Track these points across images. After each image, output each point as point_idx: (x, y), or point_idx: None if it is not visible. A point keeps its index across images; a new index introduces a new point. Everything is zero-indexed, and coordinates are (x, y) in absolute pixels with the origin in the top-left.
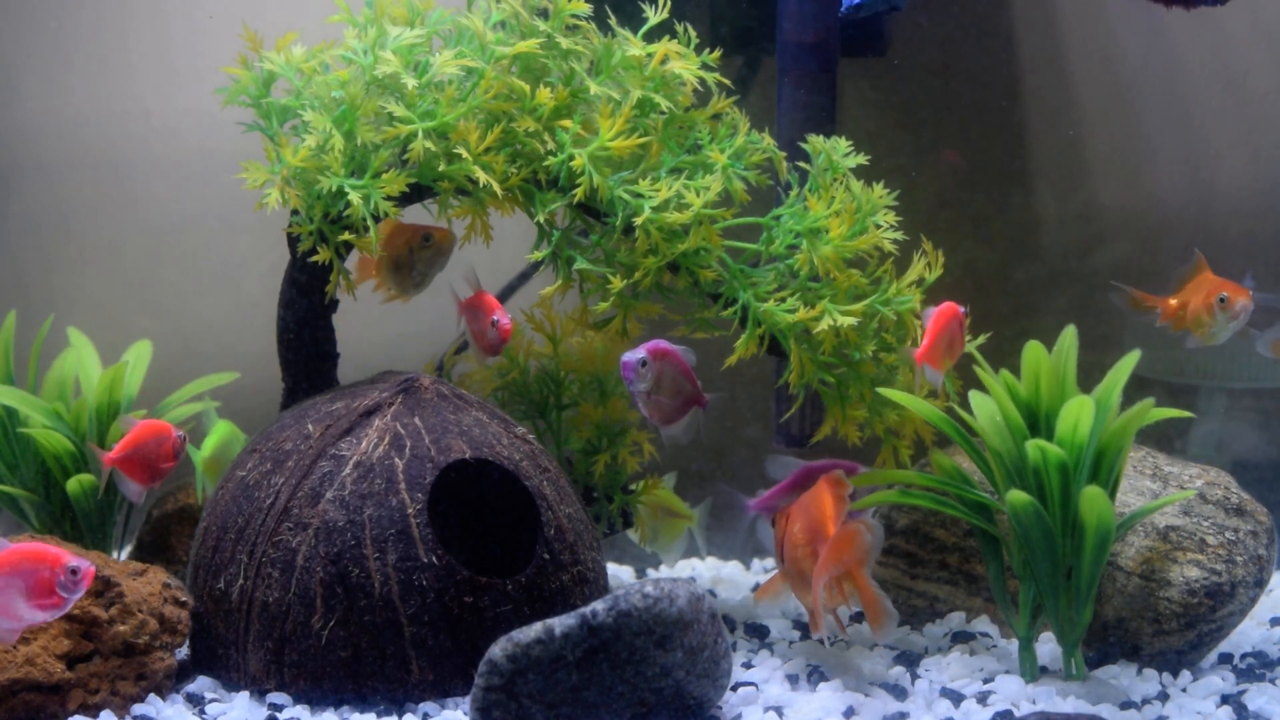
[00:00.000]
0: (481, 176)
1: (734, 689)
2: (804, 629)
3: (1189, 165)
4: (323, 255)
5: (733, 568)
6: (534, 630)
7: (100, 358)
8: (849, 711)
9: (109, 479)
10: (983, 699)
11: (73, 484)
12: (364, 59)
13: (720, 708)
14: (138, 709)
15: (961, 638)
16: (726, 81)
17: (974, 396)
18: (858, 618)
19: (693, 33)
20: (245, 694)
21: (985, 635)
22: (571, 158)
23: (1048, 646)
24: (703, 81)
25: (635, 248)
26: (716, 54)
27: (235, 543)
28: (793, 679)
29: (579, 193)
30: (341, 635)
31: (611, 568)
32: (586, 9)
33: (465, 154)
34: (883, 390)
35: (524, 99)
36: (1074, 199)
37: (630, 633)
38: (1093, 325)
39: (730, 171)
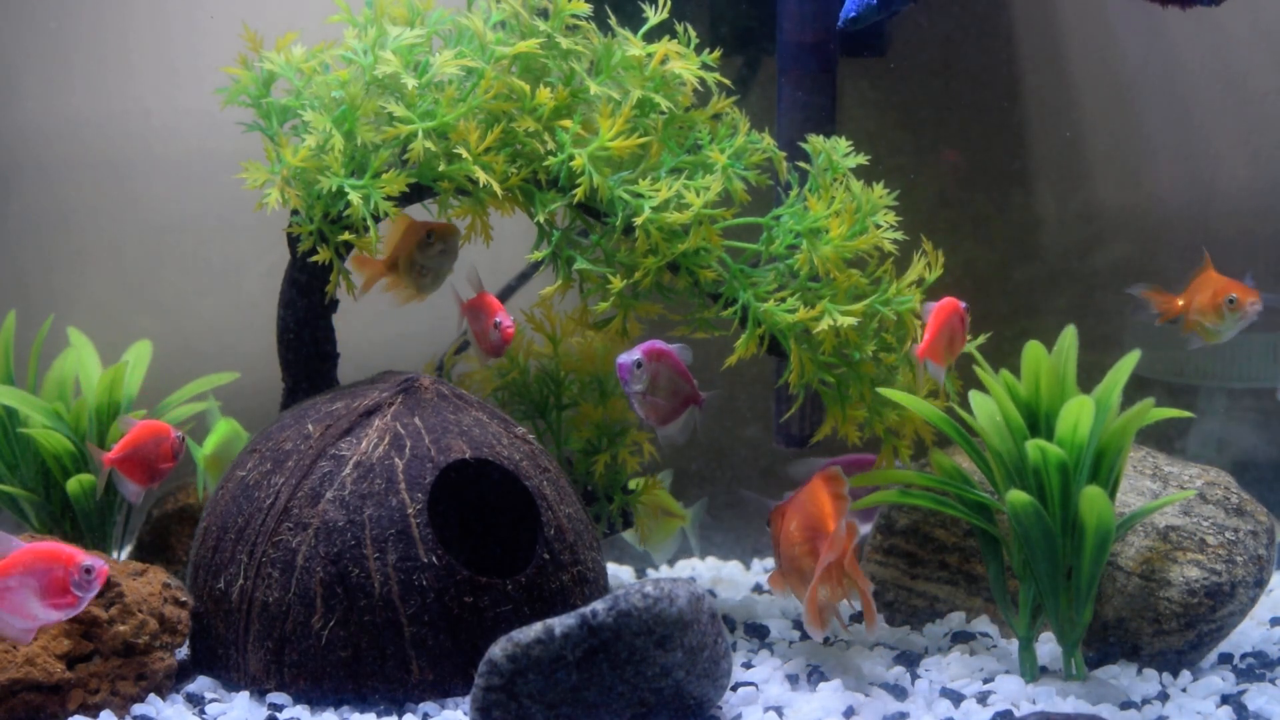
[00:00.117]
0: (481, 176)
1: (734, 689)
2: (804, 629)
3: (1189, 165)
4: (323, 255)
5: (733, 568)
6: (534, 630)
7: (100, 358)
8: (849, 711)
9: (108, 479)
10: (983, 699)
11: (73, 484)
12: (364, 59)
13: (720, 708)
14: (138, 709)
15: (961, 638)
16: (726, 81)
17: (974, 396)
18: (857, 618)
19: (693, 33)
20: (245, 694)
21: (985, 635)
22: (571, 158)
23: (1048, 646)
24: (703, 81)
25: (635, 248)
26: (716, 54)
27: (235, 543)
28: (793, 679)
29: (579, 193)
30: (341, 635)
31: (611, 568)
32: (586, 9)
33: (465, 154)
34: (883, 390)
35: (524, 99)
36: (1074, 199)
37: (630, 633)
38: (1093, 325)
39: (730, 171)
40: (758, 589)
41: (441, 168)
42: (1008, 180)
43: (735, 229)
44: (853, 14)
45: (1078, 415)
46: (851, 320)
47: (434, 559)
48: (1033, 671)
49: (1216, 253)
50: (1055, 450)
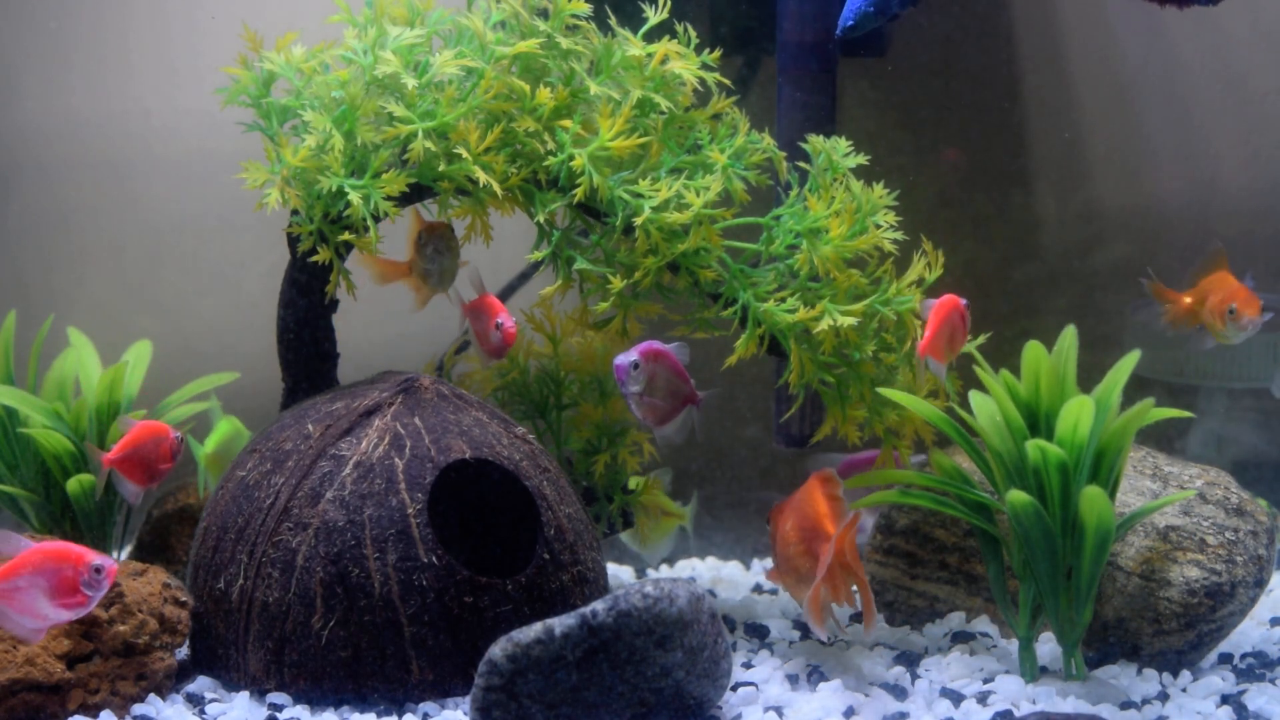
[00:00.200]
0: (481, 176)
1: (734, 689)
2: (804, 629)
3: (1189, 165)
4: (323, 255)
5: (733, 568)
6: (534, 630)
7: (100, 358)
8: (849, 711)
9: (108, 479)
10: (983, 699)
11: (73, 484)
12: (364, 59)
13: (720, 708)
14: (138, 709)
15: (961, 638)
16: (726, 81)
17: (974, 396)
18: (857, 617)
19: (693, 33)
20: (245, 694)
21: (985, 635)
22: (571, 158)
23: (1048, 646)
24: (703, 81)
25: (635, 248)
26: (716, 54)
27: (235, 543)
28: (793, 679)
29: (579, 193)
30: (341, 635)
31: (611, 568)
32: (586, 9)
33: (465, 154)
34: (883, 390)
35: (524, 99)
36: (1074, 199)
37: (630, 633)
38: (1093, 325)
39: (730, 171)
40: (758, 589)
41: (441, 168)
42: (1008, 180)
43: (735, 229)
44: (850, 22)
45: (1078, 415)
46: (851, 320)
47: (434, 559)
48: (1033, 671)
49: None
50: (1055, 450)
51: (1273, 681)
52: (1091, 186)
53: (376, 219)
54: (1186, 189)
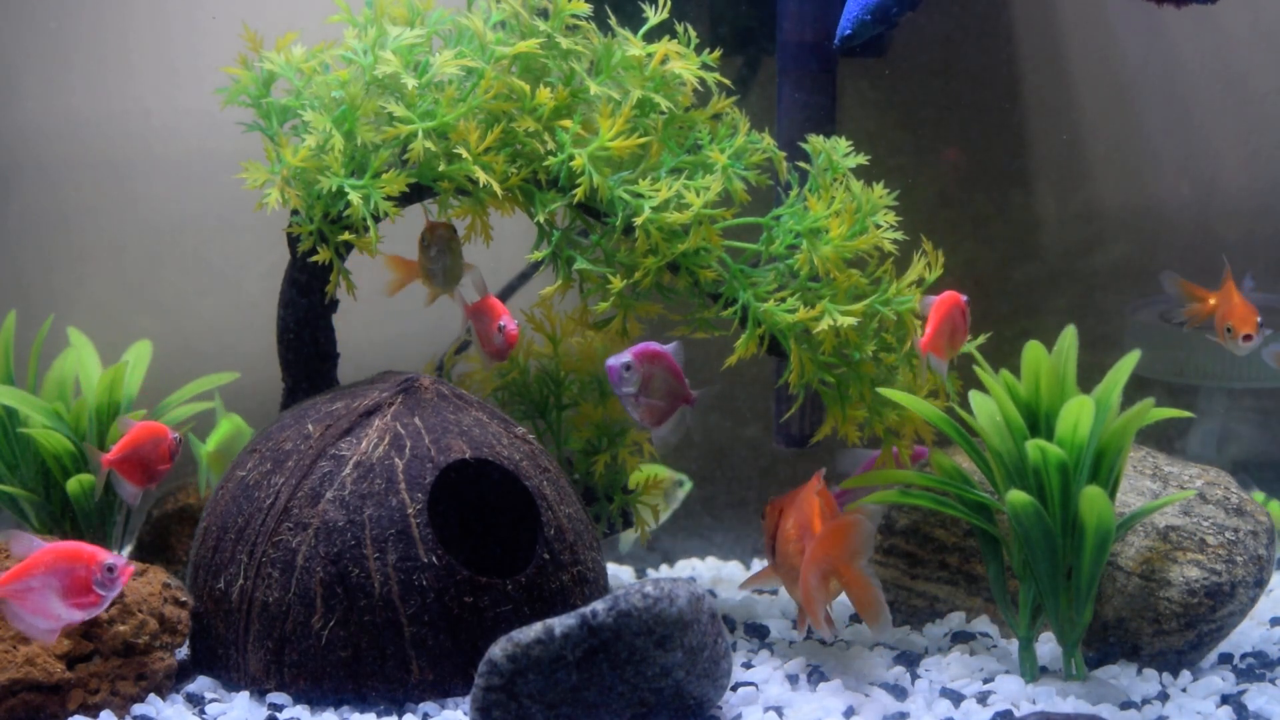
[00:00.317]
0: (481, 176)
1: (734, 689)
2: (808, 628)
3: (1189, 165)
4: (323, 255)
5: (733, 568)
6: (534, 630)
7: (100, 358)
8: (849, 711)
9: (107, 480)
10: (983, 699)
11: (73, 484)
12: (364, 59)
13: (720, 708)
14: (138, 709)
15: (961, 638)
16: (726, 81)
17: (974, 396)
18: (857, 617)
19: (693, 33)
20: (245, 694)
21: (985, 635)
22: (571, 158)
23: (1048, 646)
24: (703, 81)
25: (635, 248)
26: (716, 54)
27: (235, 543)
28: (793, 679)
29: (579, 193)
30: (341, 635)
31: (611, 568)
32: (586, 9)
33: (465, 154)
34: (883, 390)
35: (524, 99)
36: (1074, 199)
37: (630, 633)
38: (1093, 325)
39: (730, 171)
40: (758, 589)
41: (441, 168)
42: (1008, 180)
43: (735, 229)
44: (848, 31)
45: (1078, 415)
46: (851, 320)
47: (434, 559)
48: (1033, 671)
49: (1217, 253)
50: (1055, 450)
51: (1273, 681)
52: (1091, 186)
53: (376, 219)
54: (1186, 189)
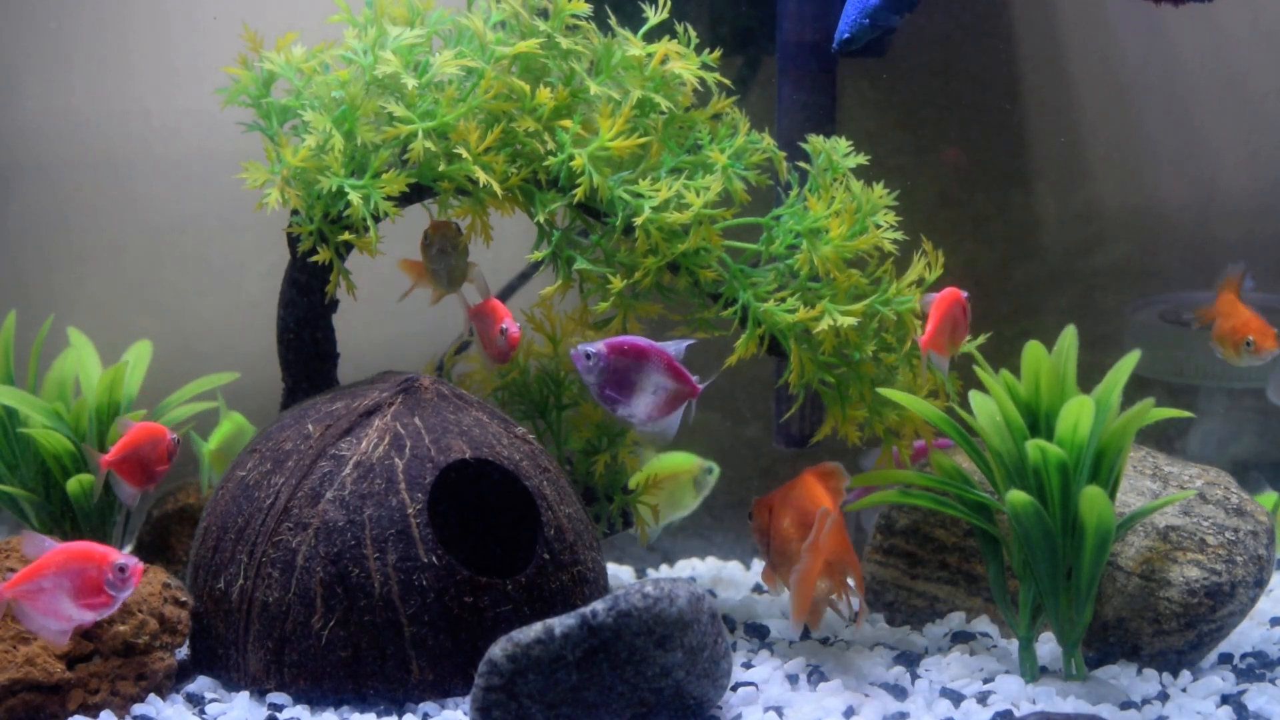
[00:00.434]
0: (481, 176)
1: (734, 689)
2: (804, 629)
3: (1189, 165)
4: (323, 255)
5: (733, 568)
6: (534, 630)
7: (100, 358)
8: (849, 711)
9: (106, 481)
10: (983, 699)
11: (73, 484)
12: (364, 59)
13: (720, 708)
14: (138, 709)
15: (961, 638)
16: (726, 81)
17: (974, 396)
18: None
19: (693, 33)
20: (245, 694)
21: (985, 635)
22: (571, 158)
23: (1048, 646)
24: (703, 81)
25: (635, 248)
26: (716, 54)
27: (235, 543)
28: (793, 679)
29: (579, 193)
30: (341, 635)
31: (611, 568)
32: (586, 9)
33: (465, 154)
34: (883, 390)
35: (524, 99)
36: (1074, 199)
37: (630, 633)
38: (1093, 325)
39: (730, 171)
40: (758, 589)
41: (441, 168)
42: (1008, 180)
43: (735, 229)
44: (846, 35)
45: (1078, 415)
46: (851, 320)
47: (434, 559)
48: (1033, 671)
49: (1217, 253)
50: (1055, 450)
51: (1273, 681)
52: (1091, 186)
53: (376, 219)
54: (1186, 189)
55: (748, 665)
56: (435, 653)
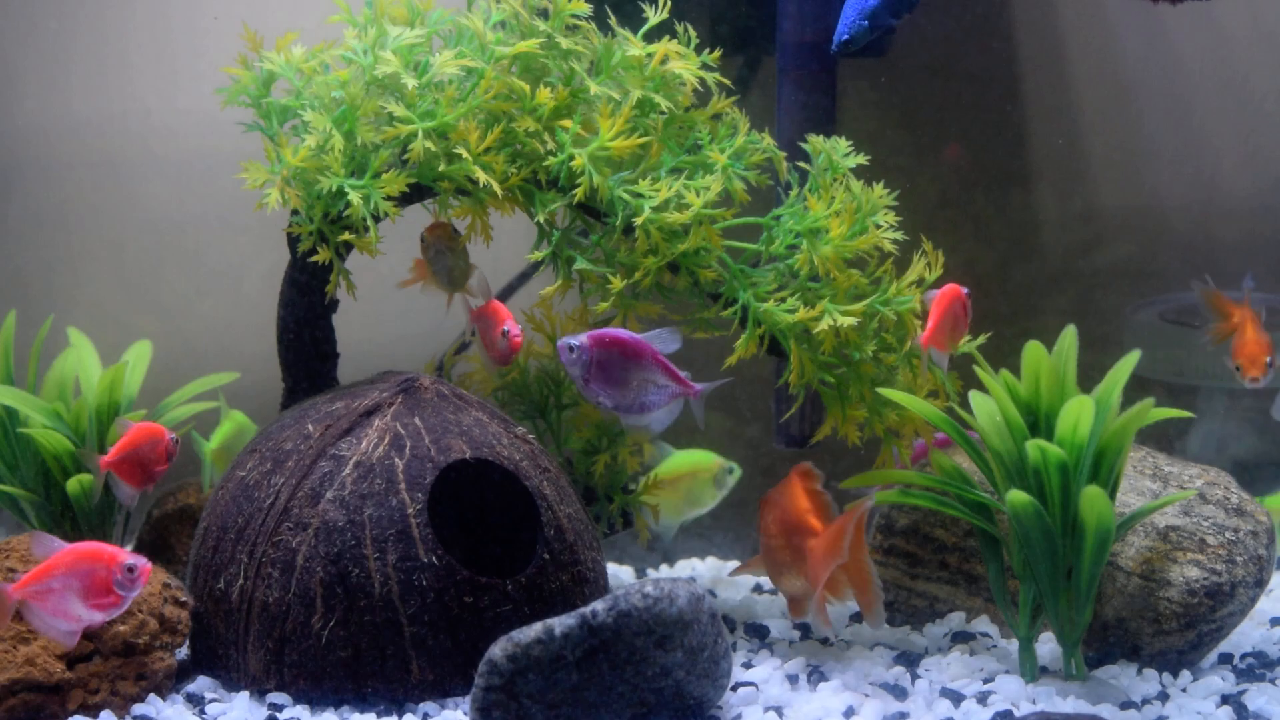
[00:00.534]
0: (481, 176)
1: (734, 689)
2: (804, 628)
3: (1189, 165)
4: (323, 255)
5: (733, 568)
6: (534, 630)
7: (100, 358)
8: (849, 711)
9: (105, 481)
10: (983, 699)
11: (73, 484)
12: (364, 59)
13: (720, 708)
14: (138, 709)
15: (961, 638)
16: (726, 81)
17: (974, 396)
18: (856, 618)
19: (693, 33)
20: (245, 694)
21: (985, 635)
22: (571, 158)
23: (1048, 646)
24: (703, 81)
25: (635, 248)
26: (716, 54)
27: (235, 543)
28: (793, 679)
29: (579, 193)
30: (341, 635)
31: (611, 568)
32: (586, 9)
33: (465, 154)
34: (883, 390)
35: (524, 99)
36: (1074, 199)
37: (630, 633)
38: (1093, 325)
39: (730, 171)
40: (758, 589)
41: (441, 168)
42: (1008, 180)
43: (735, 229)
44: (845, 36)
45: (1078, 415)
46: (851, 320)
47: (434, 559)
48: (1033, 671)
49: (1216, 253)
50: (1055, 450)
51: (1273, 681)
52: (1091, 186)
53: (376, 219)
54: (1186, 189)
55: (748, 665)
56: (435, 653)
